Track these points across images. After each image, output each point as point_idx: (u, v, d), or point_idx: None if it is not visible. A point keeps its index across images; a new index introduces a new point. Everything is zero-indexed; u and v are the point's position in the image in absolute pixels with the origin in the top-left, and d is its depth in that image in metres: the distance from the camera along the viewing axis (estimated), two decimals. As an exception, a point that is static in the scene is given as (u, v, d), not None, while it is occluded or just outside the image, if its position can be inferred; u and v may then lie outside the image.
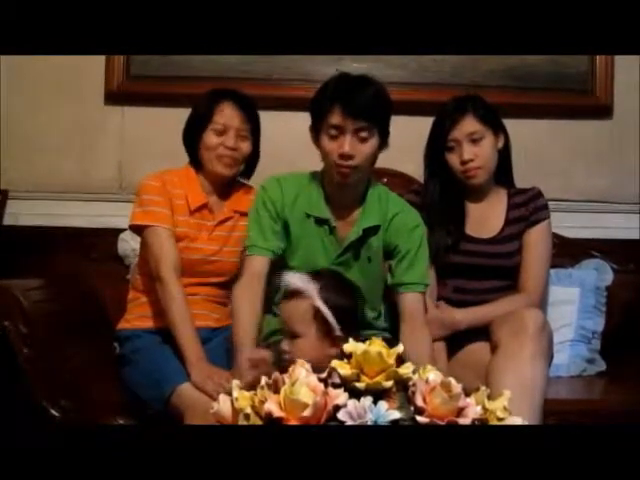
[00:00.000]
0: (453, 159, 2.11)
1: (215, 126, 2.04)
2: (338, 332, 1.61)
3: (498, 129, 2.14)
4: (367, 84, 1.88)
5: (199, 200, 2.07)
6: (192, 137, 2.08)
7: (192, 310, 1.96)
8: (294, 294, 1.64)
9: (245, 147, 2.08)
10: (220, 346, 1.99)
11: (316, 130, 1.91)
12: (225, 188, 2.13)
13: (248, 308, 1.87)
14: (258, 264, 1.93)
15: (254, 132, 2.10)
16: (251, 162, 2.14)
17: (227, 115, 2.05)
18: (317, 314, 1.62)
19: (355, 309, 1.72)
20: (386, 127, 1.92)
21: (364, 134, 1.85)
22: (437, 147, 2.14)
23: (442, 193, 2.15)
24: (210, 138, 2.04)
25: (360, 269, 1.97)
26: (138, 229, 2.04)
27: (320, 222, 1.95)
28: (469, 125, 2.09)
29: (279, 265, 1.94)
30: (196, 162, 2.10)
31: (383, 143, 1.93)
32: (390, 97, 1.94)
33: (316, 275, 1.68)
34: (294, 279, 1.64)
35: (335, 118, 1.84)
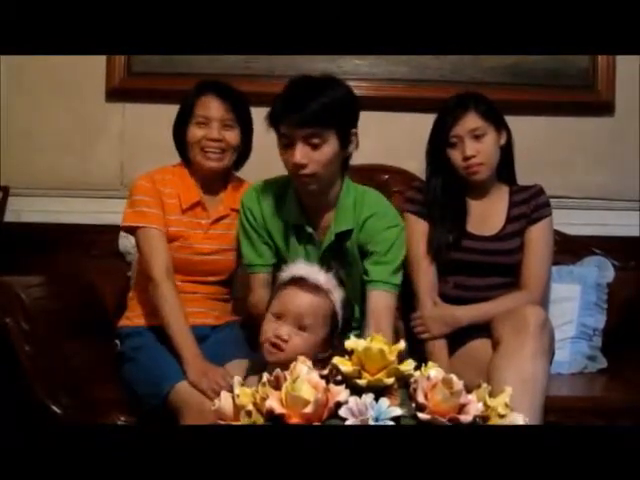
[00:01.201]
0: (455, 155, 2.10)
1: (197, 119, 2.02)
2: (335, 341, 1.61)
3: (500, 126, 2.14)
4: (318, 90, 1.80)
5: (191, 198, 2.05)
6: (179, 133, 2.07)
7: (191, 308, 1.97)
8: (317, 288, 1.61)
9: (231, 136, 2.04)
10: (220, 343, 1.99)
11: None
12: (219, 184, 2.11)
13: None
14: (261, 280, 1.96)
15: (241, 121, 2.06)
16: (242, 153, 2.10)
17: (208, 106, 2.02)
18: (332, 319, 1.62)
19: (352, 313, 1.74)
20: (346, 129, 1.84)
21: (316, 140, 1.78)
22: (439, 143, 2.13)
23: (444, 190, 2.14)
24: (193, 132, 2.03)
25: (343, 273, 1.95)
26: (130, 230, 2.04)
27: (298, 230, 1.94)
28: (471, 121, 2.08)
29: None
30: (186, 159, 2.09)
31: (346, 145, 1.85)
32: (353, 99, 1.86)
33: (328, 269, 1.67)
34: (320, 275, 1.63)
35: (282, 128, 1.80)
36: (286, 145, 1.82)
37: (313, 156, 1.80)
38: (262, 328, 1.61)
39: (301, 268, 1.66)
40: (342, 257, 1.93)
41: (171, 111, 2.12)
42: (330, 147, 1.81)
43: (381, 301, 1.89)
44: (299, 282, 1.62)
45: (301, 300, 1.59)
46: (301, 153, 1.79)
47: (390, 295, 1.91)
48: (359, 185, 2.00)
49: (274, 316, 1.60)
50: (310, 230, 1.93)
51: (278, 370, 1.32)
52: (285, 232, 1.95)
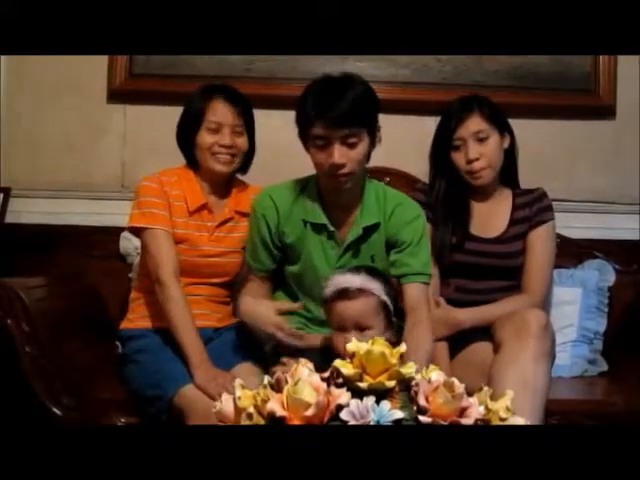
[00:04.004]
0: (459, 158, 2.11)
1: (209, 125, 2.01)
2: (393, 318, 1.77)
3: (504, 129, 2.14)
4: (347, 88, 1.81)
5: (198, 201, 2.05)
6: (186, 137, 2.06)
7: (194, 310, 1.96)
8: (360, 292, 1.73)
9: (242, 143, 2.05)
10: (223, 345, 1.99)
11: (303, 139, 1.87)
12: (224, 187, 2.11)
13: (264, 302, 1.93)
14: (259, 279, 2.00)
15: (249, 126, 2.07)
16: (247, 157, 2.10)
17: (220, 112, 2.02)
18: (384, 307, 1.73)
19: (397, 297, 1.82)
20: (374, 125, 1.87)
21: (352, 140, 1.81)
22: (443, 146, 2.14)
23: (447, 192, 2.15)
24: (204, 138, 2.02)
25: None
26: (136, 231, 2.03)
27: (318, 228, 1.94)
28: (475, 124, 2.09)
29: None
30: (192, 162, 2.08)
31: (374, 140, 1.88)
32: (375, 94, 1.88)
33: (356, 270, 1.78)
34: (355, 279, 1.74)
35: (318, 130, 1.80)
36: (321, 146, 1.82)
37: (350, 155, 1.81)
38: (334, 344, 1.76)
39: (339, 280, 1.77)
40: (364, 252, 1.94)
41: (173, 113, 2.12)
42: (364, 144, 1.84)
43: (418, 294, 1.89)
44: (342, 294, 1.75)
45: (351, 308, 1.74)
46: (339, 153, 1.80)
47: (425, 287, 1.93)
48: (375, 180, 2.03)
49: (338, 329, 1.76)
50: (332, 228, 1.93)
51: (279, 373, 1.32)
52: (302, 231, 1.94)
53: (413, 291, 1.90)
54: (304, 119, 1.83)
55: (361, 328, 1.71)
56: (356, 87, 1.83)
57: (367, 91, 1.86)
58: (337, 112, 1.78)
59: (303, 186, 1.97)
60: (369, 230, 1.93)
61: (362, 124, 1.82)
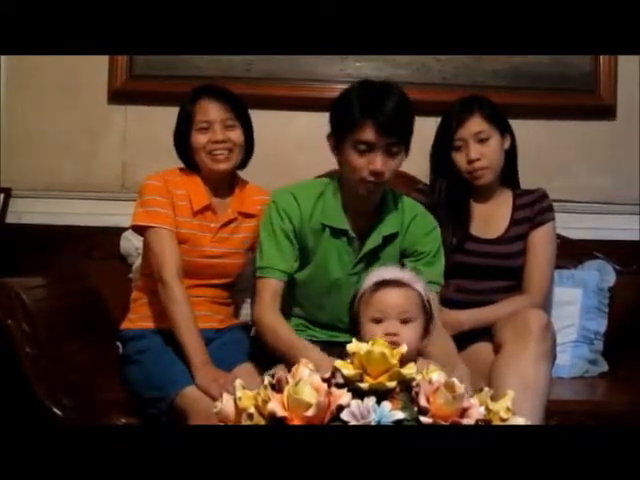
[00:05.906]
0: (460, 158, 2.11)
1: (199, 125, 2.01)
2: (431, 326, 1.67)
3: (505, 130, 2.14)
4: (392, 94, 1.78)
5: (202, 201, 2.04)
6: (182, 143, 2.06)
7: (196, 311, 1.95)
8: (404, 284, 1.64)
9: (235, 135, 2.03)
10: (224, 346, 1.99)
11: (338, 141, 1.83)
12: (227, 187, 2.11)
13: (285, 326, 1.84)
14: (276, 286, 1.87)
15: (242, 120, 2.05)
16: (246, 152, 2.09)
17: (207, 110, 2.01)
18: (424, 309, 1.66)
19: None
20: (411, 137, 1.84)
21: (395, 149, 1.79)
22: (444, 147, 2.14)
23: (448, 193, 2.15)
24: (197, 138, 2.02)
25: None
26: (140, 229, 2.02)
27: (337, 233, 1.90)
28: (476, 124, 2.09)
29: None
30: (191, 166, 2.08)
31: (407, 151, 1.85)
32: (412, 106, 1.84)
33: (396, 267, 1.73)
34: (399, 272, 1.68)
35: (366, 134, 1.76)
36: (363, 151, 1.78)
37: (390, 164, 1.80)
38: (364, 338, 1.60)
39: (380, 273, 1.69)
40: (379, 261, 1.90)
41: (173, 113, 2.12)
42: (402, 156, 1.82)
43: (435, 302, 1.85)
44: (385, 283, 1.65)
45: (396, 297, 1.63)
46: (382, 161, 1.77)
47: (436, 296, 1.90)
48: (394, 188, 1.99)
49: (374, 322, 1.63)
50: (353, 234, 1.90)
51: (280, 373, 1.32)
52: (320, 235, 1.90)
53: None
54: (349, 120, 1.78)
55: (403, 319, 1.61)
56: (402, 97, 1.80)
57: (408, 101, 1.82)
58: (388, 118, 1.75)
59: (323, 188, 1.93)
60: (387, 239, 1.91)
61: (406, 134, 1.80)
